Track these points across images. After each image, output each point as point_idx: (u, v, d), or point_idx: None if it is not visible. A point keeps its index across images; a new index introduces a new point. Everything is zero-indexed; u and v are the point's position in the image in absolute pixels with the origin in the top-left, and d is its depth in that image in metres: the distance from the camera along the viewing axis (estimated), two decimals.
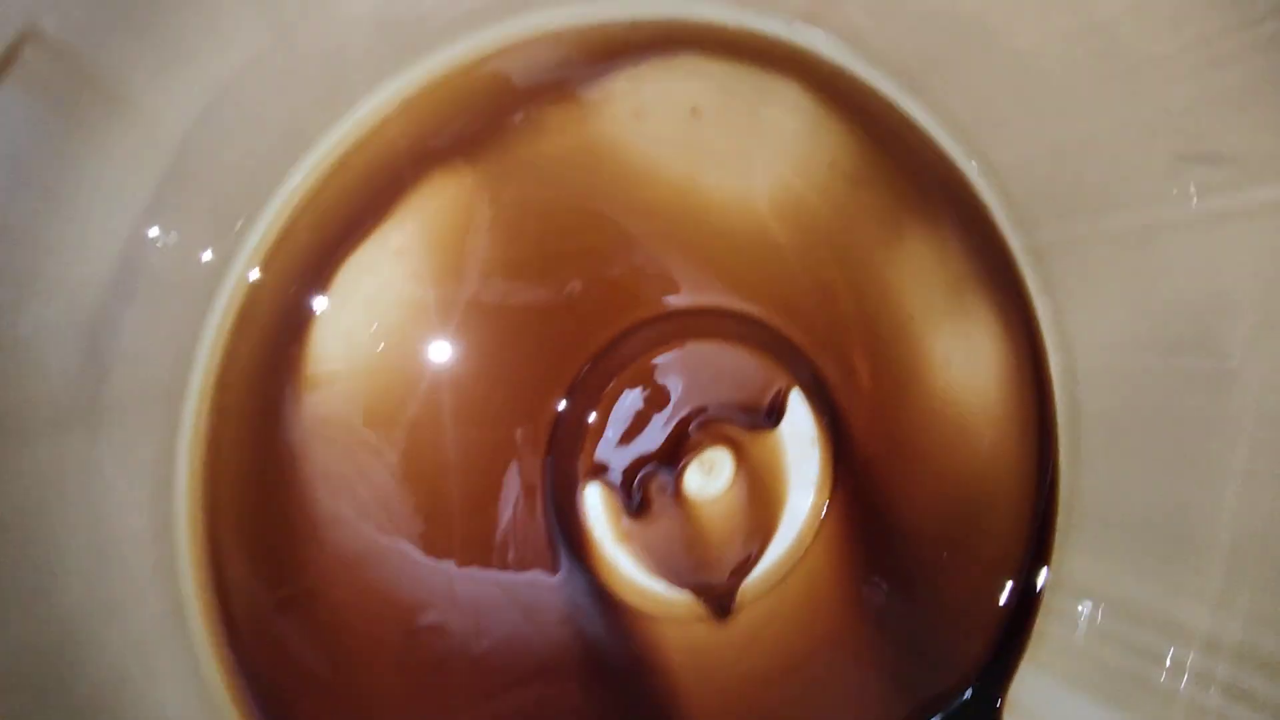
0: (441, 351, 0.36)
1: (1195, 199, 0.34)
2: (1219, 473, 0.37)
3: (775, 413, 0.37)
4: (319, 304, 0.36)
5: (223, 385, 0.36)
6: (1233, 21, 0.30)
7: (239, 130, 0.34)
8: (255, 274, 0.36)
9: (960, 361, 0.43)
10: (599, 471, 0.36)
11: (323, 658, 0.35)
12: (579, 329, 0.35)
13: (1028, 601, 0.43)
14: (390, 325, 0.35)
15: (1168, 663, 0.38)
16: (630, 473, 0.36)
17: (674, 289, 0.38)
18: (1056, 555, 0.43)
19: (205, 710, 0.35)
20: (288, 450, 0.36)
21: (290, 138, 0.36)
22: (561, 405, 0.35)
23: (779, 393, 0.39)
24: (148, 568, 0.34)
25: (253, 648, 0.35)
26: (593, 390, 0.36)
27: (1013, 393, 0.44)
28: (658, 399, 0.36)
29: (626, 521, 0.35)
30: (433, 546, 0.36)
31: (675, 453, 0.36)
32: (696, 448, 0.36)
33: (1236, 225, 0.34)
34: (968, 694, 0.42)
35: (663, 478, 0.37)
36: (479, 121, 0.34)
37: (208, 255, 0.35)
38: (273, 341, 0.35)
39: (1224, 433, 0.37)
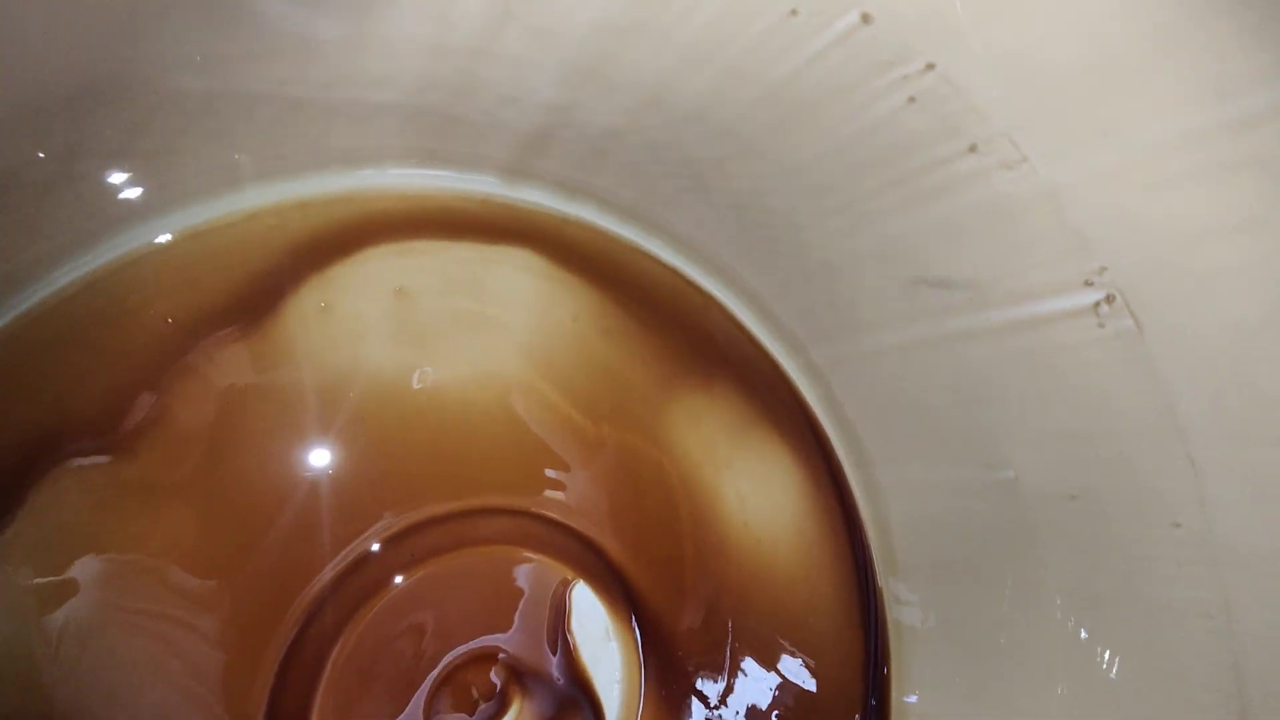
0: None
1: (936, 320, 0.33)
2: (1028, 585, 0.35)
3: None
4: None
5: None
6: (933, 159, 0.29)
7: None
8: None
9: (756, 497, 0.41)
10: None
11: None
12: (273, 604, 0.30)
13: None
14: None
15: None
16: None
17: (404, 506, 0.33)
18: (895, 682, 0.41)
19: None
20: None
21: None
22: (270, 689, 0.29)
23: (561, 594, 0.35)
24: None
25: None
26: (312, 663, 0.30)
27: (818, 516, 0.42)
28: (402, 657, 0.31)
29: None
30: None
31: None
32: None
33: (984, 343, 0.32)
34: None
35: None
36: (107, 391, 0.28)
37: None
38: None
39: (1023, 546, 0.35)
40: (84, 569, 0.30)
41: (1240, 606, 0.28)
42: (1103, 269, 0.27)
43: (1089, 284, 0.27)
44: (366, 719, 0.31)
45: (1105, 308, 0.27)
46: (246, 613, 0.32)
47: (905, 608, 0.41)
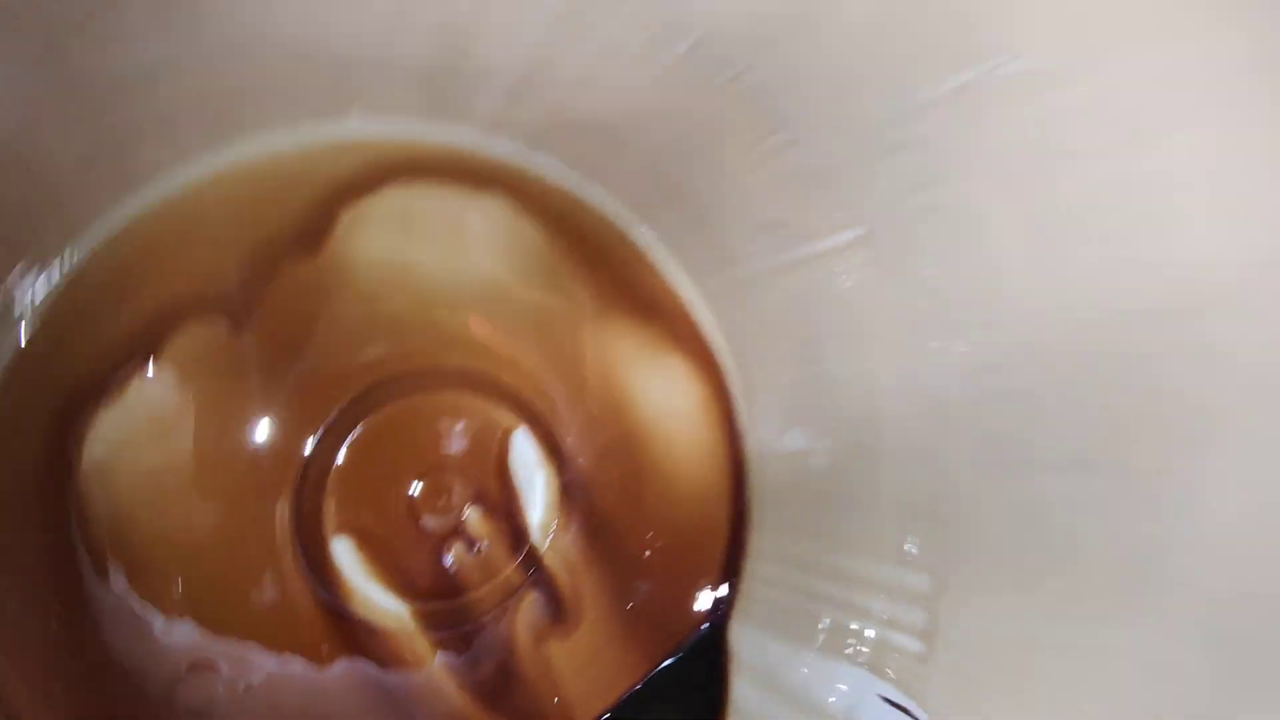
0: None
1: (772, 254, 0.46)
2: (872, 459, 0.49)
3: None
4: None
5: None
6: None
7: None
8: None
9: (659, 391, 0.54)
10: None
11: None
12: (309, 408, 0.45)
13: (734, 574, 0.54)
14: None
15: (836, 605, 0.49)
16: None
17: (400, 363, 0.48)
18: (753, 538, 0.54)
19: None
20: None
21: None
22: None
23: (505, 437, 0.50)
24: None
25: None
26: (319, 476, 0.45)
27: (704, 408, 0.55)
28: (386, 468, 0.47)
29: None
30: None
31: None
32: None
33: (802, 273, 0.46)
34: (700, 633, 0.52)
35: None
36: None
37: None
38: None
39: (871, 428, 0.49)
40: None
41: None
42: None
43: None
44: (366, 515, 0.46)
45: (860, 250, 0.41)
46: (286, 438, 0.46)
47: (769, 482, 0.55)
